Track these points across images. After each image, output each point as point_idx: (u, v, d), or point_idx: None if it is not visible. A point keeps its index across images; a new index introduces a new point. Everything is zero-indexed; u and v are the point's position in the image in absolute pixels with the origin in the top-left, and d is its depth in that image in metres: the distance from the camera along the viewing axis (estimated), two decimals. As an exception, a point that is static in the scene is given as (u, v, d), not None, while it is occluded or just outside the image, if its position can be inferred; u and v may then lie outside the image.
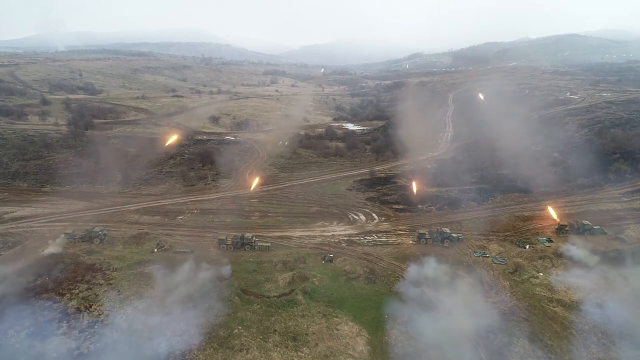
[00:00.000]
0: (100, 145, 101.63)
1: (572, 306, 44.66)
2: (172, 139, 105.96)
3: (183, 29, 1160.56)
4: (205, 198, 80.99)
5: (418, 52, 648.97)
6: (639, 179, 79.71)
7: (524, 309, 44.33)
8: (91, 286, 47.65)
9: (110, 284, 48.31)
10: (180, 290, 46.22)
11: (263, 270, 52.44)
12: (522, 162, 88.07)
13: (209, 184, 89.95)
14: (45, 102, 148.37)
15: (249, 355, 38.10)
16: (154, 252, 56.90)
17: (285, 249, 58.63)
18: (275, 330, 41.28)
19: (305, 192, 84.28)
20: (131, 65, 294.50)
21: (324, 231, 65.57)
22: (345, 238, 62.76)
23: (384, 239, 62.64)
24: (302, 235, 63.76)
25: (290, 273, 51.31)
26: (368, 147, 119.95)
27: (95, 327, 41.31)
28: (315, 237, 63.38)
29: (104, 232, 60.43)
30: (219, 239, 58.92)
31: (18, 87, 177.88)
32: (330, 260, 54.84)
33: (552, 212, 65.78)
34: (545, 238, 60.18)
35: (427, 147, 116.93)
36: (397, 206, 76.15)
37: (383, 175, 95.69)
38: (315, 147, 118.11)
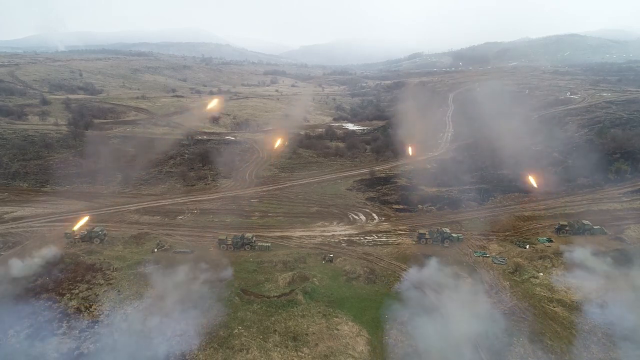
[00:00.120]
0: (100, 145, 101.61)
1: (572, 306, 44.66)
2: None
3: (183, 29, 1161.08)
4: (205, 198, 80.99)
5: (418, 52, 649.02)
6: (639, 179, 79.69)
7: (524, 309, 44.30)
8: (91, 286, 47.67)
9: (110, 284, 48.32)
10: (180, 290, 46.21)
11: (263, 270, 52.43)
12: (522, 162, 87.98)
13: (209, 184, 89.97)
14: (45, 102, 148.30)
15: (249, 355, 38.10)
16: (154, 252, 56.90)
17: (285, 249, 58.63)
18: (275, 330, 41.28)
19: (305, 192, 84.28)
20: (131, 65, 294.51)
21: (324, 231, 65.56)
22: (345, 238, 62.75)
23: (384, 239, 62.62)
24: (302, 235, 63.75)
25: (290, 273, 51.30)
26: (368, 147, 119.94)
27: (96, 327, 41.32)
28: (316, 237, 63.38)
29: (104, 232, 60.42)
30: (219, 239, 58.90)
31: (18, 87, 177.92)
32: (331, 260, 54.83)
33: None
34: (545, 238, 60.16)
35: (428, 147, 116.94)
36: (397, 206, 76.14)
37: (383, 175, 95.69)
38: (315, 147, 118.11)
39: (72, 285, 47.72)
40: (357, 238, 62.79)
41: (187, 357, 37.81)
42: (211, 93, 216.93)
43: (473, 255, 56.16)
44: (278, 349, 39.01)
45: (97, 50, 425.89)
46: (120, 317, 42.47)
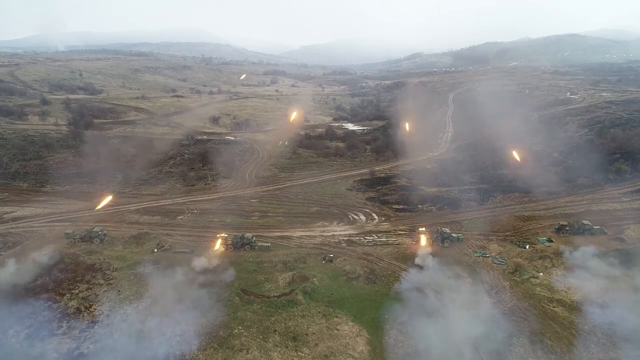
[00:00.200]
0: (100, 145, 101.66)
1: (572, 306, 44.66)
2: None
3: (183, 29, 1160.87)
4: (205, 198, 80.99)
5: (418, 52, 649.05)
6: (639, 179, 79.69)
7: (524, 309, 44.30)
8: (91, 286, 47.67)
9: (110, 284, 48.33)
10: (180, 290, 46.21)
11: (263, 270, 52.42)
12: (522, 162, 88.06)
13: (209, 184, 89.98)
14: (45, 102, 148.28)
15: (249, 355, 38.10)
16: (154, 252, 56.91)
17: (285, 249, 58.63)
18: (275, 330, 41.28)
19: (305, 192, 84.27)
20: (131, 65, 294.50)
21: (324, 231, 65.56)
22: (345, 238, 62.75)
23: (384, 239, 62.62)
24: (302, 235, 63.75)
25: (290, 273, 51.30)
26: (368, 147, 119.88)
27: (96, 327, 41.33)
28: (315, 237, 63.38)
29: (104, 232, 60.42)
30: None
31: (18, 87, 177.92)
32: (330, 260, 54.83)
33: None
34: (545, 238, 60.14)
35: (427, 147, 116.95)
36: (397, 206, 76.14)
37: (383, 175, 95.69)
38: (315, 147, 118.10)
39: (72, 285, 47.73)
40: (357, 238, 62.79)
41: (187, 357, 37.81)
42: (211, 93, 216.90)
43: (473, 256, 56.16)
44: (278, 349, 39.02)
45: (97, 50, 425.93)
46: (120, 317, 42.47)
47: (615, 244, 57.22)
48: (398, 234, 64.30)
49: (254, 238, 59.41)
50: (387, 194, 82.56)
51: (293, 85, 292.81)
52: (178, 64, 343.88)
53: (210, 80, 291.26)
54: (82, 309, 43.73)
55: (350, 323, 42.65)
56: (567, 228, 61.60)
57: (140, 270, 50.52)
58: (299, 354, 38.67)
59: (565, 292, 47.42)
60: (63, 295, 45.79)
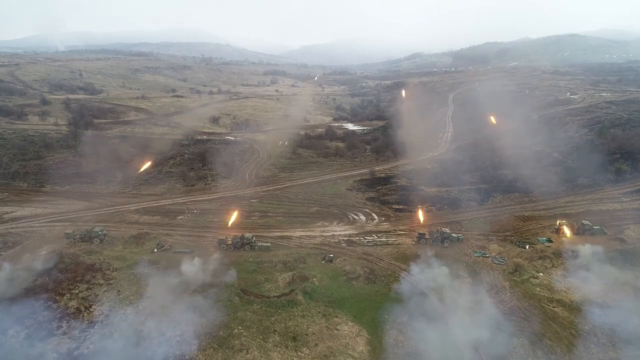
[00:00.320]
0: (100, 145, 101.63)
1: (572, 306, 44.67)
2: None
3: (183, 29, 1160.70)
4: (205, 198, 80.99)
5: (418, 52, 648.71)
6: (639, 179, 79.69)
7: (524, 309, 44.31)
8: (91, 286, 47.68)
9: (110, 284, 48.34)
10: (180, 290, 46.21)
11: (263, 270, 52.43)
12: (522, 162, 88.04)
13: (209, 184, 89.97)
14: (45, 102, 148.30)
15: (249, 355, 38.10)
16: (154, 252, 56.94)
17: (285, 249, 58.64)
18: (275, 331, 41.28)
19: (305, 192, 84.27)
20: (131, 65, 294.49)
21: (324, 231, 65.56)
22: (345, 238, 62.75)
23: (384, 239, 62.63)
24: (302, 235, 63.75)
25: (290, 273, 51.31)
26: (368, 147, 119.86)
27: (95, 327, 41.32)
28: (315, 237, 63.37)
29: (104, 232, 60.44)
30: (219, 239, 58.94)
31: (18, 87, 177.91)
32: (330, 261, 54.83)
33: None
34: (545, 238, 60.17)
35: (427, 147, 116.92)
36: (397, 206, 76.14)
37: (383, 175, 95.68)
38: (315, 147, 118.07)
39: (72, 285, 47.73)
40: (357, 238, 62.79)
41: (187, 358, 37.80)
42: (211, 93, 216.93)
43: (473, 256, 56.17)
44: (278, 349, 39.02)
45: (97, 50, 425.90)
46: (120, 317, 42.45)
47: (615, 244, 57.24)
48: (398, 234, 64.31)
49: (254, 238, 59.43)
50: (387, 194, 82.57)
51: (293, 85, 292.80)
52: (178, 64, 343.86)
53: (210, 80, 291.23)
54: (82, 309, 43.74)
55: (350, 323, 42.66)
56: (567, 228, 61.61)
57: (140, 270, 50.54)
58: (299, 354, 38.67)
59: (565, 292, 47.45)
60: (63, 295, 45.79)
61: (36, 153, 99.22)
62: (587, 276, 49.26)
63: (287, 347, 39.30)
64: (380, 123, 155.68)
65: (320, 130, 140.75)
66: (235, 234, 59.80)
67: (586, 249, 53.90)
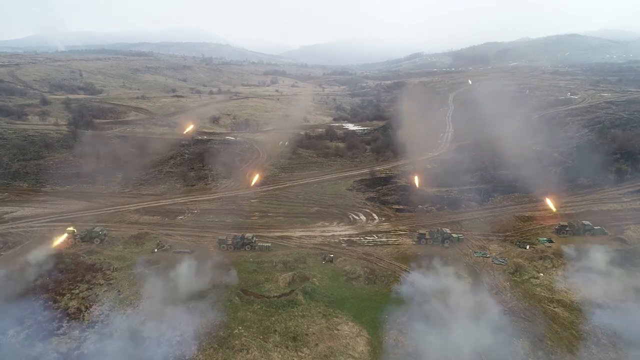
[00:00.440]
0: (101, 145, 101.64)
1: (572, 307, 44.64)
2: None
3: (183, 29, 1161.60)
4: (205, 198, 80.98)
5: (418, 52, 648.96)
6: (639, 179, 79.64)
7: (525, 310, 44.29)
8: (91, 286, 47.65)
9: (111, 284, 48.32)
10: (180, 290, 46.19)
11: (263, 271, 52.42)
12: (523, 163, 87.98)
13: (209, 184, 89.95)
14: (45, 102, 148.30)
15: (249, 355, 38.07)
16: (154, 252, 56.93)
17: (285, 249, 58.62)
18: (276, 331, 41.26)
19: (305, 192, 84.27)
20: (131, 65, 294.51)
21: (324, 231, 65.55)
22: (345, 238, 62.73)
23: (384, 239, 62.60)
24: (302, 236, 63.73)
25: (290, 273, 51.29)
26: (368, 147, 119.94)
27: (96, 327, 41.28)
28: (316, 237, 63.36)
29: (104, 232, 60.43)
30: (219, 239, 58.92)
31: (18, 87, 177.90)
32: (331, 261, 54.82)
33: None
34: (545, 238, 60.14)
35: (428, 147, 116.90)
36: (397, 206, 76.12)
37: (383, 175, 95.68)
38: (315, 147, 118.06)
39: (72, 285, 47.69)
40: (357, 238, 62.78)
41: (187, 358, 37.77)
42: (211, 93, 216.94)
43: (473, 256, 56.15)
44: (278, 349, 38.99)
45: (97, 50, 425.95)
46: (120, 317, 42.42)
47: (615, 244, 57.20)
48: (398, 234, 64.29)
49: (254, 238, 59.41)
50: (387, 194, 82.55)
51: (293, 86, 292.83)
52: (178, 64, 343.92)
53: (210, 80, 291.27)
54: (82, 309, 43.70)
55: (350, 323, 42.63)
56: (567, 228, 61.61)
57: (140, 270, 50.50)
58: (299, 354, 38.65)
59: (566, 292, 47.41)
60: (63, 295, 45.74)
61: (36, 153, 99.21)
62: (587, 277, 49.21)
63: (287, 347, 39.28)
64: (381, 123, 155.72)
65: (320, 130, 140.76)
66: (236, 234, 59.81)
67: (586, 250, 53.90)
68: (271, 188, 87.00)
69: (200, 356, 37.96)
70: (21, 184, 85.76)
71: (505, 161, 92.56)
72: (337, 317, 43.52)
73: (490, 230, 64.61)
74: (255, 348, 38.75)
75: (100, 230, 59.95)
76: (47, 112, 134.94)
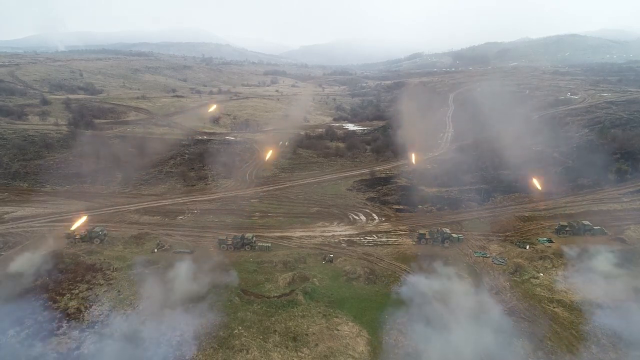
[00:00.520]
0: (101, 145, 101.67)
1: (572, 307, 44.63)
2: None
3: (183, 29, 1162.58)
4: (205, 198, 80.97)
5: (418, 52, 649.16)
6: (639, 179, 79.63)
7: (524, 310, 44.28)
8: (91, 286, 47.65)
9: (111, 284, 48.32)
10: (180, 290, 46.18)
11: (263, 271, 52.42)
12: (523, 163, 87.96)
13: (209, 184, 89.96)
14: (45, 102, 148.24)
15: (249, 355, 38.07)
16: (154, 252, 56.93)
17: (285, 249, 58.62)
18: (276, 331, 41.26)
19: (305, 193, 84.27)
20: (131, 65, 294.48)
21: (324, 231, 65.55)
22: (345, 238, 62.73)
23: (384, 239, 62.60)
24: (303, 236, 63.74)
25: (290, 273, 51.29)
26: (368, 147, 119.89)
27: (95, 327, 41.28)
28: (316, 237, 63.36)
29: (104, 232, 60.42)
30: (219, 239, 58.93)
31: (18, 87, 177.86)
32: (331, 261, 54.82)
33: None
34: (545, 238, 60.13)
35: (428, 147, 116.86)
36: (397, 206, 76.11)
37: (383, 175, 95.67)
38: (315, 147, 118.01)
39: (72, 285, 47.69)
40: (358, 238, 62.78)
41: (187, 358, 37.76)
42: (211, 93, 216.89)
43: (473, 256, 56.15)
44: (278, 349, 38.99)
45: (97, 50, 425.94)
46: (120, 318, 42.41)
47: (615, 244, 57.19)
48: (398, 234, 64.28)
49: (254, 238, 59.41)
50: (387, 194, 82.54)
51: (293, 86, 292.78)
52: (178, 64, 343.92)
53: (210, 80, 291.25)
54: (82, 309, 43.70)
55: (350, 323, 42.63)
56: (567, 228, 61.59)
57: (140, 271, 50.49)
58: (299, 354, 38.64)
59: (565, 292, 47.39)
60: (63, 295, 45.75)
61: (36, 153, 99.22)
62: (587, 277, 49.19)
63: (287, 347, 39.28)
64: (381, 123, 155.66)
65: (320, 130, 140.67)
66: (236, 234, 59.82)
67: (586, 250, 53.88)
68: (271, 188, 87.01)
69: (200, 356, 37.96)
70: (21, 184, 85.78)
71: (506, 161, 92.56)
72: (337, 317, 43.53)
73: (490, 230, 64.60)
74: (255, 348, 38.75)
75: (100, 230, 59.94)
76: (47, 112, 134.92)
